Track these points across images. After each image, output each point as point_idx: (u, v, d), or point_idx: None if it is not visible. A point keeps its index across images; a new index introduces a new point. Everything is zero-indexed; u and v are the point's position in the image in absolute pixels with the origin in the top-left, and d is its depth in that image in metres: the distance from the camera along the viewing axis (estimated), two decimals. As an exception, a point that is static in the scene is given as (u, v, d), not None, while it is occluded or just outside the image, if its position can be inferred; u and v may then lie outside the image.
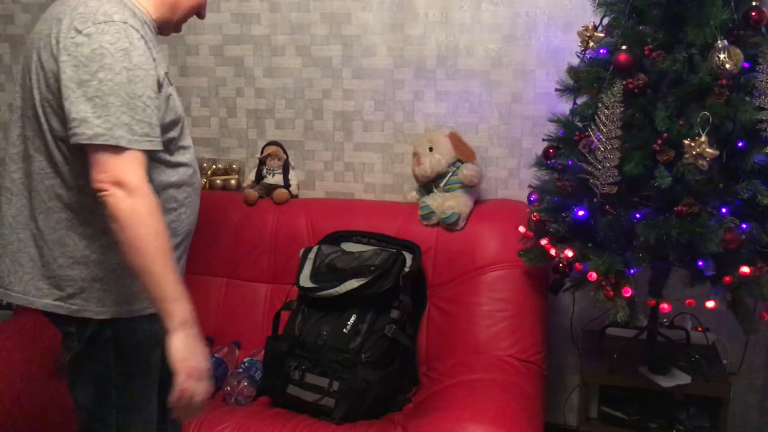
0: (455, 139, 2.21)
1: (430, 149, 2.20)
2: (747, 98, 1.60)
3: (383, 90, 2.36)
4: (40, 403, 1.93)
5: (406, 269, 1.97)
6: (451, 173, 2.20)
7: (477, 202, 2.24)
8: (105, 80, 1.21)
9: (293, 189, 2.41)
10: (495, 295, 2.05)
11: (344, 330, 1.91)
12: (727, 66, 1.56)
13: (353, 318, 1.92)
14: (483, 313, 2.04)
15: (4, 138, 1.51)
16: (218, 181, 2.51)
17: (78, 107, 1.20)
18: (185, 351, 1.25)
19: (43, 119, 1.29)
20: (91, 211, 1.30)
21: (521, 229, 2.02)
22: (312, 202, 2.38)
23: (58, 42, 1.24)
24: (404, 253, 2.02)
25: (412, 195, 2.33)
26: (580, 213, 1.74)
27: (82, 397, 1.40)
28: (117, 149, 1.21)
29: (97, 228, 1.31)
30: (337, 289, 1.93)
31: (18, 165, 1.35)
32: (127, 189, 1.20)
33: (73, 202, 1.31)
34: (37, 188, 1.32)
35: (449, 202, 2.13)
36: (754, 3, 1.61)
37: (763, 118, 1.58)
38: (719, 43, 1.57)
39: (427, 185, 2.27)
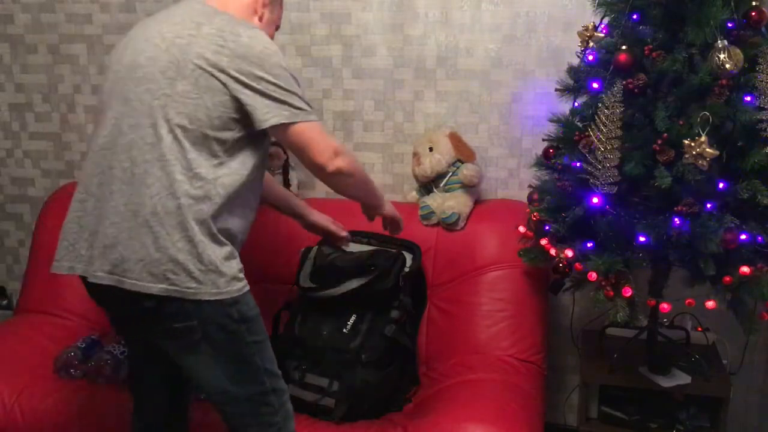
0: (455, 139, 2.21)
1: (430, 149, 2.21)
2: (747, 98, 1.60)
3: (383, 90, 2.36)
4: (40, 403, 1.93)
5: (406, 269, 1.97)
6: (451, 173, 2.20)
7: (477, 202, 2.24)
8: (280, 76, 1.42)
9: (293, 189, 2.41)
10: (495, 295, 2.05)
11: (344, 330, 1.91)
12: (727, 66, 1.56)
13: (353, 318, 1.92)
14: (483, 313, 2.04)
15: (94, 127, 1.56)
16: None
17: (268, 95, 1.40)
18: (392, 207, 1.86)
19: (173, 111, 1.39)
20: (205, 198, 1.41)
21: (521, 229, 2.02)
22: (312, 202, 2.37)
23: (211, 44, 1.39)
24: (404, 253, 2.02)
25: (412, 195, 2.33)
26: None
27: (226, 377, 1.48)
28: (313, 125, 1.46)
29: (210, 214, 1.41)
30: (337, 289, 1.93)
31: (128, 154, 1.41)
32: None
33: (189, 189, 1.40)
34: (156, 175, 1.39)
35: (449, 202, 2.13)
36: (754, 3, 1.61)
37: (763, 118, 1.58)
38: (719, 43, 1.57)
39: (427, 185, 2.27)
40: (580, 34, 1.84)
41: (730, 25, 1.60)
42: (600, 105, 1.68)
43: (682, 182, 1.62)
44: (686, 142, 1.59)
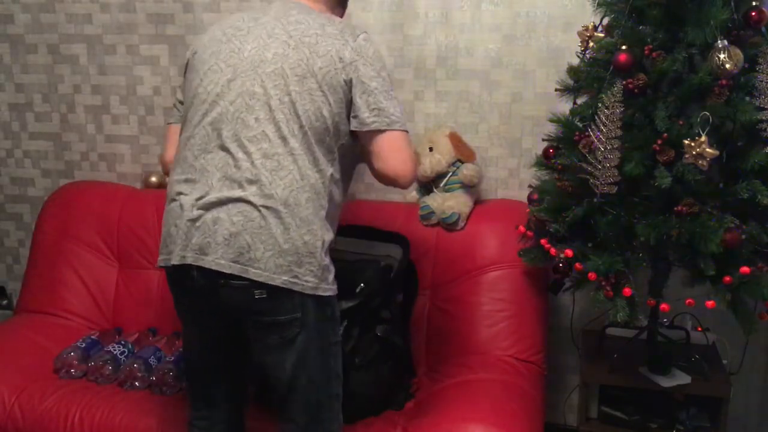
0: (455, 139, 2.21)
1: (430, 149, 2.21)
2: (747, 98, 1.60)
3: (383, 90, 2.35)
4: (40, 403, 1.93)
5: (392, 274, 1.95)
6: (451, 173, 2.20)
7: (477, 202, 2.24)
8: (386, 78, 1.53)
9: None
10: (495, 295, 2.05)
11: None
12: (727, 66, 1.56)
13: (345, 323, 1.84)
14: (483, 313, 2.04)
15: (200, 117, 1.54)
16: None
17: (376, 98, 1.49)
18: None
19: (301, 107, 1.45)
20: (326, 194, 1.49)
21: (521, 228, 2.02)
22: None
23: (336, 43, 1.48)
24: (392, 248, 1.99)
25: (412, 195, 2.33)
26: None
27: (303, 372, 1.50)
28: (403, 136, 1.53)
29: (333, 212, 1.51)
30: None
31: (257, 146, 1.45)
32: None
33: (318, 184, 1.47)
34: (288, 167, 1.44)
35: (449, 202, 2.14)
36: (754, 3, 1.61)
37: (763, 118, 1.58)
38: (719, 43, 1.57)
39: (427, 185, 2.27)
40: (580, 34, 1.84)
41: (730, 25, 1.60)
42: (600, 105, 1.68)
43: (682, 182, 1.62)
44: (686, 142, 1.59)
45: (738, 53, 1.57)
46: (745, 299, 1.67)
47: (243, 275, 1.42)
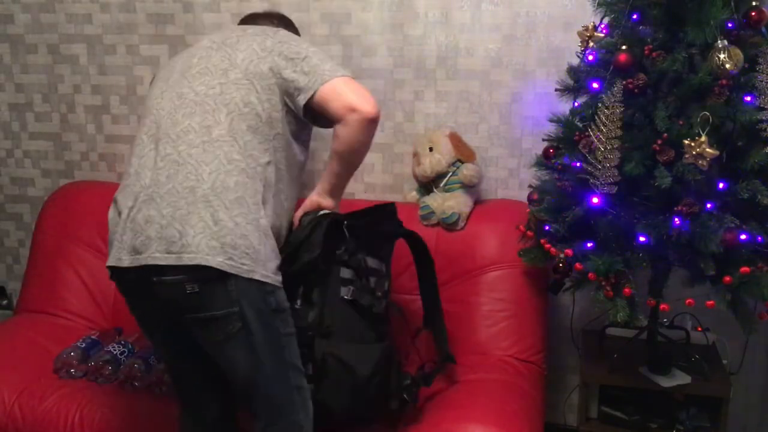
0: (455, 139, 2.21)
1: (430, 149, 2.21)
2: (747, 98, 1.60)
3: (383, 90, 2.36)
4: (40, 403, 1.93)
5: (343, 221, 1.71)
6: (451, 173, 2.20)
7: (477, 202, 2.24)
8: (317, 51, 1.60)
9: (293, 189, 2.41)
10: (495, 295, 2.05)
11: (295, 306, 1.63)
12: (727, 66, 1.56)
13: (300, 288, 1.65)
14: (483, 313, 2.04)
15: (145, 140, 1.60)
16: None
17: (308, 62, 1.56)
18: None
19: (228, 96, 1.52)
20: (267, 181, 1.52)
21: (521, 228, 2.02)
22: (312, 202, 2.38)
23: (257, 38, 1.60)
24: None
25: (412, 195, 2.33)
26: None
27: (255, 368, 1.50)
28: (350, 79, 1.57)
29: (273, 198, 1.53)
30: None
31: (183, 139, 1.49)
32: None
33: (249, 168, 1.49)
34: (216, 153, 1.47)
35: (449, 202, 2.13)
36: (754, 3, 1.61)
37: (763, 118, 1.58)
38: (719, 43, 1.57)
39: (427, 185, 2.27)
40: (580, 34, 1.84)
41: (730, 25, 1.60)
42: (600, 105, 1.68)
43: (682, 182, 1.62)
44: (686, 142, 1.59)
45: (738, 53, 1.57)
46: (745, 299, 1.67)
47: (178, 263, 1.42)
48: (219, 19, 2.42)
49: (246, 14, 2.04)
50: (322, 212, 1.70)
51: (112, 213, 1.56)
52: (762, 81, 1.59)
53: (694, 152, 1.58)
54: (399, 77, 2.33)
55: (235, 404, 1.73)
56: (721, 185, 1.63)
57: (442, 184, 2.21)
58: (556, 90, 1.91)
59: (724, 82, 1.59)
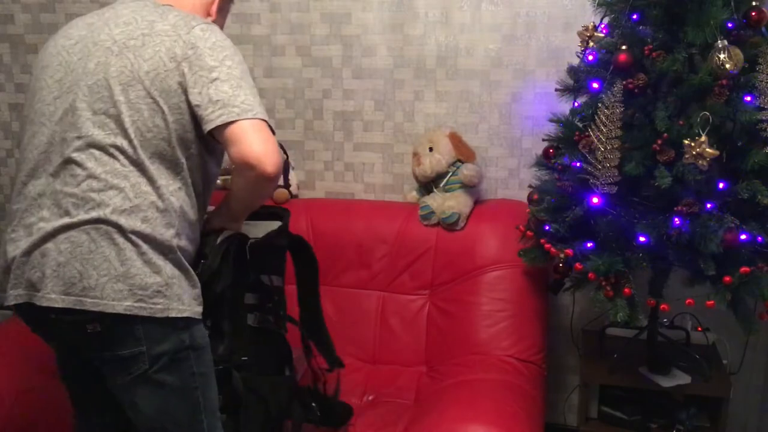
0: (455, 139, 2.21)
1: (430, 149, 2.21)
2: (747, 98, 1.60)
3: (383, 90, 2.36)
4: (40, 404, 1.93)
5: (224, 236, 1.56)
6: (451, 173, 2.20)
7: (477, 202, 2.24)
8: (233, 67, 1.34)
9: (293, 189, 2.41)
10: (495, 295, 2.05)
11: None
12: (727, 66, 1.56)
13: (208, 321, 1.54)
14: (483, 313, 2.04)
15: (28, 135, 1.43)
16: (218, 182, 2.51)
17: (218, 89, 1.31)
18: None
19: (128, 119, 1.31)
20: (166, 212, 1.33)
21: (521, 228, 2.02)
22: (312, 202, 2.38)
23: (166, 41, 1.33)
24: (272, 226, 1.72)
25: (412, 195, 2.33)
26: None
27: (163, 411, 1.37)
28: (261, 124, 1.34)
29: (186, 228, 1.37)
30: None
31: (84, 167, 1.32)
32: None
33: (159, 201, 1.33)
34: (121, 186, 1.30)
35: (449, 202, 2.14)
36: (754, 3, 1.61)
37: (763, 118, 1.58)
38: (719, 43, 1.57)
39: (427, 185, 2.27)
40: (580, 34, 1.84)
41: (730, 25, 1.60)
42: (600, 105, 1.68)
43: (682, 182, 1.62)
44: (686, 142, 1.59)
45: (738, 53, 1.57)
46: (745, 299, 1.67)
47: (77, 307, 1.28)
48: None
49: None
50: (224, 234, 1.54)
51: (4, 237, 1.38)
52: (762, 81, 1.59)
53: (694, 152, 1.58)
54: (399, 77, 2.34)
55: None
56: (721, 185, 1.63)
57: (442, 184, 2.21)
58: (556, 90, 1.91)
59: (724, 82, 1.59)
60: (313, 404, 1.72)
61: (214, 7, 1.55)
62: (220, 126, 1.31)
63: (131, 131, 1.31)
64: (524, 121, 2.28)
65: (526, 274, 2.06)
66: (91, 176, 1.31)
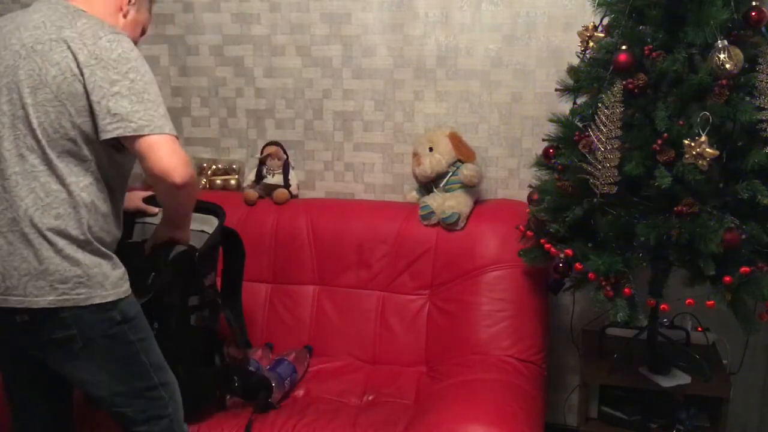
0: (455, 139, 2.21)
1: (430, 149, 2.21)
2: (747, 98, 1.60)
3: (383, 90, 2.36)
4: None
5: (176, 252, 1.70)
6: (451, 173, 2.20)
7: (477, 202, 2.24)
8: (136, 80, 1.38)
9: (293, 189, 2.41)
10: (495, 295, 2.05)
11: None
12: (727, 66, 1.56)
13: (155, 324, 1.68)
14: (483, 313, 2.04)
15: None
16: (218, 181, 2.51)
17: (117, 103, 1.35)
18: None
19: (36, 120, 1.37)
20: (78, 207, 1.40)
21: (521, 228, 2.02)
22: (312, 202, 2.38)
23: (72, 47, 1.36)
24: (208, 221, 1.87)
25: (412, 195, 2.33)
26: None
27: (114, 379, 1.47)
28: (162, 138, 1.39)
29: (100, 220, 1.44)
30: None
31: (1, 166, 1.39)
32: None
33: (70, 198, 1.39)
34: (30, 186, 1.37)
35: (449, 202, 2.14)
36: (754, 3, 1.61)
37: (763, 118, 1.58)
38: (719, 43, 1.57)
39: (427, 185, 2.27)
40: (580, 34, 1.84)
41: (730, 25, 1.60)
42: (600, 105, 1.68)
43: (682, 182, 1.62)
44: (686, 142, 1.59)
45: (738, 53, 1.57)
46: (745, 299, 1.67)
47: (3, 305, 1.37)
48: (219, 19, 2.42)
49: None
50: (176, 250, 1.66)
51: None
52: (762, 81, 1.59)
53: (694, 152, 1.58)
54: (399, 77, 2.33)
55: (71, 419, 1.70)
56: (721, 185, 1.63)
57: (442, 184, 2.21)
58: (556, 90, 1.91)
59: (724, 82, 1.59)
60: (235, 378, 1.87)
61: (126, 5, 1.56)
62: (125, 137, 1.38)
63: (39, 132, 1.37)
64: (524, 121, 2.28)
65: (526, 274, 2.06)
66: (3, 177, 1.38)
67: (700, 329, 2.17)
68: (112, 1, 1.53)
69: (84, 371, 1.46)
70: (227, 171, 2.53)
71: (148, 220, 1.87)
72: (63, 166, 1.39)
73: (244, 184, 2.48)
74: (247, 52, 2.43)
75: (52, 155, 1.38)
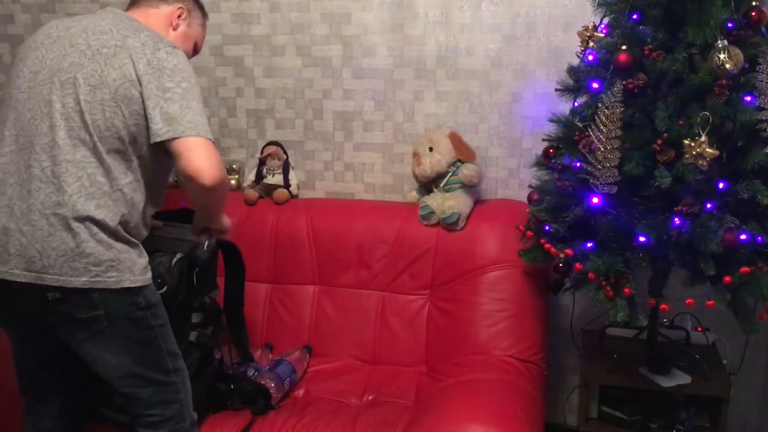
0: (455, 139, 2.21)
1: (430, 149, 2.21)
2: (747, 98, 1.60)
3: (383, 90, 2.36)
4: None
5: (198, 266, 1.80)
6: (451, 173, 2.20)
7: (477, 202, 2.24)
8: (186, 89, 1.52)
9: (293, 189, 2.41)
10: (495, 295, 2.05)
11: None
12: (727, 66, 1.56)
13: None
14: (483, 313, 2.04)
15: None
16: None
17: (168, 109, 1.48)
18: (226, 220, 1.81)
19: (90, 117, 1.47)
20: (118, 200, 1.50)
21: (521, 228, 2.02)
22: (312, 202, 2.38)
23: (133, 56, 1.49)
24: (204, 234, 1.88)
25: (412, 195, 2.33)
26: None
27: (131, 361, 1.56)
28: (203, 141, 1.51)
29: (136, 216, 1.54)
30: None
31: (48, 154, 1.47)
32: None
33: (112, 191, 1.49)
34: (77, 174, 1.46)
35: (449, 202, 2.14)
36: (754, 3, 1.61)
37: (763, 118, 1.58)
38: (719, 43, 1.57)
39: (427, 185, 2.27)
40: (580, 34, 1.84)
41: (730, 25, 1.60)
42: (600, 105, 1.68)
43: (682, 182, 1.62)
44: (686, 142, 1.59)
45: (738, 53, 1.57)
46: (745, 299, 1.67)
47: (39, 282, 1.44)
48: (219, 19, 2.42)
49: None
50: (176, 257, 1.72)
51: None
52: (762, 81, 1.59)
53: (694, 152, 1.58)
54: (399, 77, 2.34)
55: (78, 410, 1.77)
56: (721, 185, 1.63)
57: (442, 184, 2.21)
58: (556, 90, 1.91)
59: (724, 82, 1.59)
60: (232, 386, 1.91)
61: (176, 20, 1.72)
62: (167, 141, 1.49)
63: (91, 127, 1.47)
64: (524, 121, 2.28)
65: (526, 274, 2.06)
66: (55, 162, 1.46)
67: (700, 329, 2.17)
68: (164, 16, 1.70)
69: (104, 350, 1.53)
70: (227, 171, 2.53)
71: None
72: (110, 161, 1.49)
73: (244, 184, 2.48)
74: (247, 52, 2.43)
75: (102, 150, 1.48)
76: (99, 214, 1.46)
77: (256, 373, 2.00)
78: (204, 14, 1.83)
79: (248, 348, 2.08)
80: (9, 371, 1.75)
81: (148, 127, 1.49)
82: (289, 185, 2.39)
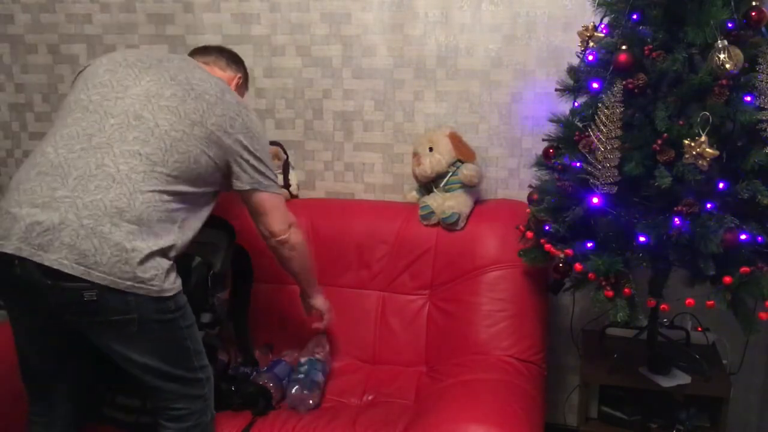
0: (455, 139, 2.21)
1: (430, 149, 2.21)
2: (747, 98, 1.60)
3: (383, 90, 2.36)
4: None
5: (214, 270, 1.88)
6: (451, 173, 2.20)
7: (477, 202, 2.24)
8: (265, 146, 1.75)
9: (293, 189, 2.41)
10: (495, 295, 2.05)
11: None
12: (727, 66, 1.56)
13: None
14: (483, 313, 2.04)
15: (70, 120, 1.60)
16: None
17: (254, 164, 1.71)
18: (324, 300, 2.05)
19: (184, 146, 1.57)
20: (183, 224, 1.59)
21: (521, 228, 2.01)
22: (312, 202, 2.38)
23: (230, 113, 1.66)
24: (217, 235, 1.94)
25: (412, 195, 2.33)
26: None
27: (160, 360, 1.59)
28: (280, 199, 1.80)
29: (183, 239, 1.60)
30: None
31: (127, 160, 1.52)
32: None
33: (174, 213, 1.57)
34: (152, 187, 1.52)
35: (449, 202, 2.14)
36: (754, 3, 1.61)
37: (763, 118, 1.58)
38: (719, 43, 1.57)
39: (427, 185, 2.27)
40: (580, 34, 1.84)
41: (730, 25, 1.60)
42: (600, 105, 1.68)
43: (682, 182, 1.62)
44: (686, 142, 1.59)
45: (738, 53, 1.57)
46: (745, 299, 1.67)
47: (85, 277, 1.44)
48: (219, 19, 2.42)
49: (199, 47, 1.97)
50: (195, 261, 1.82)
51: (20, 189, 1.51)
52: (762, 81, 1.59)
53: (694, 152, 1.58)
54: (399, 77, 2.34)
55: (85, 408, 1.79)
56: (721, 185, 1.63)
57: (442, 184, 2.21)
58: (556, 90, 1.91)
59: (724, 82, 1.59)
60: (233, 387, 1.93)
61: (235, 87, 1.93)
62: (247, 191, 1.73)
63: (177, 156, 1.57)
64: (524, 121, 2.28)
65: (526, 274, 2.06)
66: (132, 170, 1.51)
67: (700, 329, 2.17)
68: (227, 79, 1.89)
69: (134, 351, 1.56)
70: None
71: None
72: (182, 188, 1.58)
73: (244, 184, 2.48)
74: (247, 52, 2.43)
75: (180, 177, 1.57)
76: (157, 229, 1.52)
77: (254, 374, 2.00)
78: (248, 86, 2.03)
79: (252, 350, 2.09)
80: (11, 371, 1.75)
81: (224, 174, 1.68)
82: (289, 185, 2.39)
